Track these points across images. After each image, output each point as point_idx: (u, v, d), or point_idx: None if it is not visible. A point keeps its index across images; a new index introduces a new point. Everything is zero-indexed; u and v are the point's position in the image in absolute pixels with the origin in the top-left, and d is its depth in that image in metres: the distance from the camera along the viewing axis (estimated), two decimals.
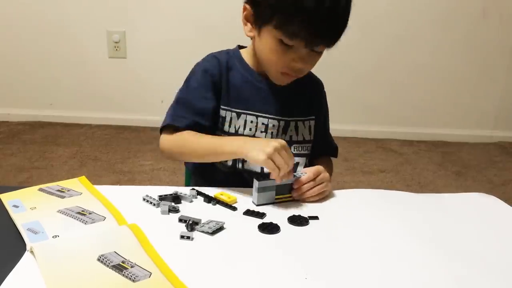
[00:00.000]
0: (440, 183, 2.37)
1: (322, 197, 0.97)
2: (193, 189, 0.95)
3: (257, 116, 1.07)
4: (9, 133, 2.71)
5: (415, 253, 0.78)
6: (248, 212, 0.88)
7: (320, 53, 1.02)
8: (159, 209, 0.88)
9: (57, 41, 2.79)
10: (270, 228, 0.83)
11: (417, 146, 2.81)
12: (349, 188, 1.04)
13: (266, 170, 1.02)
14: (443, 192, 1.06)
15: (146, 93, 2.83)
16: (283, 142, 0.92)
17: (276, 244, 0.79)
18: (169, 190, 0.95)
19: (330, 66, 2.86)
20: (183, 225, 0.83)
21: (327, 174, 0.98)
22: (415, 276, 0.72)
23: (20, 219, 0.81)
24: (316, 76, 1.20)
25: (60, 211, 0.84)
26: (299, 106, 1.12)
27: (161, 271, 0.68)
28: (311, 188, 0.95)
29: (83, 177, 1.00)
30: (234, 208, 0.90)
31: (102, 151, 2.51)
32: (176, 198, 0.92)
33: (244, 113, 1.07)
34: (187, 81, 1.09)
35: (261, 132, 1.07)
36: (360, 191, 1.04)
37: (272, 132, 1.08)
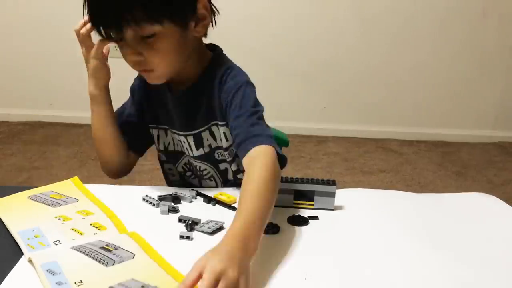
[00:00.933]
0: (440, 183, 2.37)
1: None
2: (193, 189, 0.95)
3: (172, 133, 1.02)
4: (9, 133, 2.71)
5: (415, 253, 0.78)
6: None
7: (156, 37, 0.83)
8: (158, 209, 0.88)
9: (57, 41, 2.79)
10: (270, 228, 0.83)
11: (417, 146, 2.81)
12: (349, 188, 1.04)
13: (205, 184, 1.05)
14: (443, 192, 1.06)
15: None
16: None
17: (276, 244, 0.79)
18: (169, 190, 0.95)
19: (330, 66, 2.87)
20: (182, 225, 0.83)
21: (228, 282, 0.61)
22: (415, 276, 0.72)
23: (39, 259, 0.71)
24: (234, 78, 0.95)
25: (77, 249, 0.73)
26: (208, 112, 0.97)
27: (166, 271, 0.68)
28: None
29: (76, 178, 0.99)
30: (234, 208, 0.90)
31: None
32: (176, 198, 0.92)
33: (166, 129, 1.03)
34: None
35: (186, 148, 1.01)
36: (360, 191, 1.04)
37: (187, 149, 1.00)
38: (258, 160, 0.81)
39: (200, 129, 0.98)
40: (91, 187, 0.96)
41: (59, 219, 0.82)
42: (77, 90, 2.91)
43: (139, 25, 0.80)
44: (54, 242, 0.75)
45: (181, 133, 1.00)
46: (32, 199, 0.90)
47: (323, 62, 2.74)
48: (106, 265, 0.68)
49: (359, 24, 2.72)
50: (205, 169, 1.03)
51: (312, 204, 0.91)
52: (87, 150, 2.51)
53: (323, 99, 2.79)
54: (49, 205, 0.87)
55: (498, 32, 2.76)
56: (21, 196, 0.91)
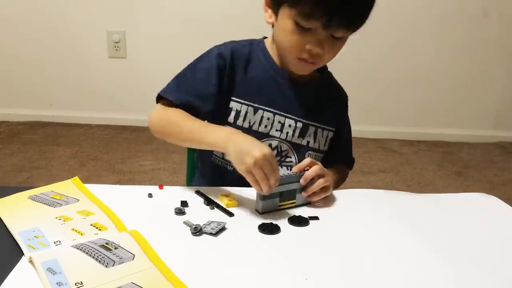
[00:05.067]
0: (440, 183, 2.37)
1: (326, 194, 0.94)
2: (198, 191, 0.95)
3: (274, 114, 1.03)
4: (9, 133, 2.71)
5: (415, 253, 0.78)
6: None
7: (341, 40, 0.95)
8: (159, 209, 0.88)
9: (57, 41, 2.79)
10: (270, 229, 0.83)
11: (417, 146, 2.81)
12: (349, 188, 1.04)
13: None
14: (443, 192, 1.06)
15: (146, 93, 2.81)
16: (267, 151, 0.84)
17: (276, 245, 0.79)
18: (169, 190, 0.95)
19: (330, 66, 2.87)
20: (184, 226, 0.83)
21: (327, 172, 0.96)
22: (415, 276, 0.72)
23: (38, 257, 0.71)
24: (340, 86, 1.17)
25: (77, 247, 0.72)
26: (321, 113, 1.08)
27: (166, 277, 0.68)
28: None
29: (76, 178, 0.99)
30: (231, 214, 0.88)
31: (102, 151, 2.51)
32: (184, 202, 0.91)
33: (261, 109, 1.02)
34: (197, 59, 1.04)
35: (276, 130, 1.04)
36: (360, 191, 1.04)
37: (287, 133, 1.04)
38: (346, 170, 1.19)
39: (311, 122, 1.06)
40: (91, 187, 0.95)
41: (60, 219, 0.82)
42: (77, 90, 2.92)
43: (348, 30, 0.93)
44: (54, 243, 0.75)
45: (293, 116, 1.04)
46: (33, 199, 0.89)
47: None
48: (106, 266, 0.68)
49: None
50: (290, 157, 1.07)
51: (294, 202, 0.92)
52: (87, 150, 2.51)
53: None
54: (49, 205, 0.87)
55: (498, 32, 2.76)
56: (22, 196, 0.91)
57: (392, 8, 2.71)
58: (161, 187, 0.92)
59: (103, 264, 0.68)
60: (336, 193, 1.00)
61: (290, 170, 1.01)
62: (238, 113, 1.02)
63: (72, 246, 0.72)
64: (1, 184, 2.07)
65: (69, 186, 0.96)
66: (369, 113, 2.89)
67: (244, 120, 1.02)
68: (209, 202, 0.91)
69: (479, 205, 0.99)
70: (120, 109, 2.86)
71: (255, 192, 0.92)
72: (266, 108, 1.03)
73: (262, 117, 1.02)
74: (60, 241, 0.75)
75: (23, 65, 2.84)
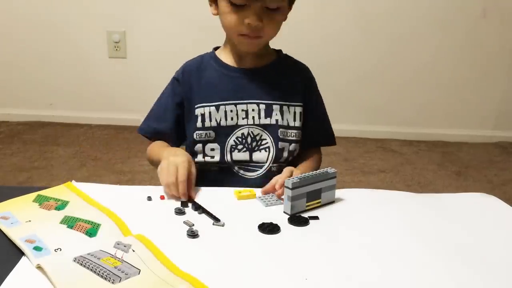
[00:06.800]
0: (440, 183, 2.37)
1: None
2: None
3: (235, 104, 1.09)
4: (9, 133, 2.71)
5: (415, 253, 0.78)
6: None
7: (278, 11, 1.03)
8: (160, 209, 0.88)
9: (57, 41, 2.79)
10: (270, 229, 0.83)
11: (417, 146, 2.81)
12: (349, 188, 1.04)
13: (255, 158, 1.10)
14: (443, 192, 1.06)
15: (146, 93, 2.81)
16: (175, 160, 0.95)
17: (276, 245, 0.79)
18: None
19: (330, 66, 2.87)
20: (185, 226, 0.83)
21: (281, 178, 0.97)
22: (415, 276, 0.72)
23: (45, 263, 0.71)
24: (301, 63, 1.21)
25: (79, 262, 0.71)
26: (282, 91, 1.12)
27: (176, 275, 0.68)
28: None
29: (69, 183, 0.98)
30: (218, 219, 0.86)
31: (102, 151, 2.51)
32: (184, 203, 0.91)
33: (222, 105, 1.09)
34: (162, 91, 1.19)
35: (242, 118, 1.10)
36: (360, 191, 1.04)
37: (253, 117, 1.10)
38: (318, 154, 1.21)
39: (273, 102, 1.11)
40: (91, 187, 0.95)
41: (63, 224, 0.81)
42: (77, 90, 2.92)
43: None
44: (55, 250, 0.73)
45: (254, 101, 1.10)
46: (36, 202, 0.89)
47: (323, 62, 2.74)
48: (112, 282, 0.67)
49: (359, 24, 2.72)
50: (265, 139, 1.11)
51: (320, 202, 0.92)
52: (87, 150, 2.51)
53: (323, 99, 2.79)
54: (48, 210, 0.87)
55: (498, 32, 2.75)
56: (27, 199, 0.90)
57: (391, 9, 2.71)
58: (162, 197, 0.93)
59: (109, 281, 0.67)
60: (336, 193, 0.99)
61: (268, 152, 1.10)
62: (203, 116, 1.10)
63: (74, 261, 0.70)
64: (1, 184, 2.07)
65: (67, 191, 0.95)
66: (369, 113, 2.89)
67: (211, 120, 1.10)
68: (197, 208, 0.90)
69: (479, 205, 0.99)
70: (120, 109, 2.86)
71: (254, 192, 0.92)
72: (227, 102, 1.10)
73: (225, 111, 1.10)
74: (60, 249, 0.74)
75: (23, 65, 2.84)
